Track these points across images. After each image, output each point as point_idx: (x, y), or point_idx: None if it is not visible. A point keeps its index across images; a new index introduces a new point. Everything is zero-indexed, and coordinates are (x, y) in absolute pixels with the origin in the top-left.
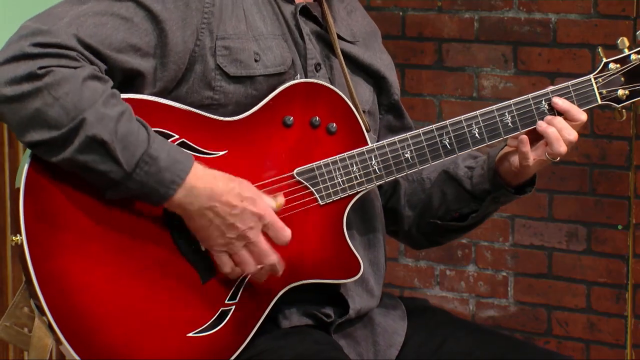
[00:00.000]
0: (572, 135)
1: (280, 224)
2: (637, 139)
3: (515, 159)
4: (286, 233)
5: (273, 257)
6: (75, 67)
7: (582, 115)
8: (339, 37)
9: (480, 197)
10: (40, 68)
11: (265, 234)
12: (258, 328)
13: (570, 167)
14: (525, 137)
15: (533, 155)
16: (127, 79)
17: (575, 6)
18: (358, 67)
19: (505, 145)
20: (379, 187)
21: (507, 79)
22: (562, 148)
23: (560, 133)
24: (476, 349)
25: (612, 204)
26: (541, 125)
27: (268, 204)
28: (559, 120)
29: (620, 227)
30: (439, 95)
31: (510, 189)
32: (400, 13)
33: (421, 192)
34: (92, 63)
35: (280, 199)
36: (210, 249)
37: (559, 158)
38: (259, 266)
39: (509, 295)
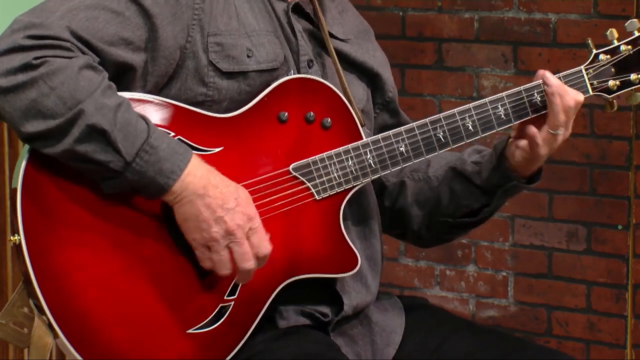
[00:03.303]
0: (571, 101)
1: (265, 234)
2: (637, 139)
3: (524, 145)
4: (268, 245)
5: (251, 264)
6: (70, 57)
7: (579, 97)
8: (332, 35)
9: (491, 191)
10: (36, 58)
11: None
12: (256, 328)
13: (570, 167)
14: (530, 124)
15: (541, 136)
16: (118, 74)
17: (575, 6)
18: (351, 64)
19: (509, 137)
20: (384, 188)
21: (507, 79)
22: (561, 118)
23: (562, 100)
24: (476, 349)
25: (612, 204)
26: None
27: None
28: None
29: (620, 227)
30: (439, 95)
31: (521, 179)
32: (400, 13)
33: (428, 190)
34: (85, 54)
35: None
36: (193, 242)
37: (560, 130)
38: (232, 270)
39: (509, 295)
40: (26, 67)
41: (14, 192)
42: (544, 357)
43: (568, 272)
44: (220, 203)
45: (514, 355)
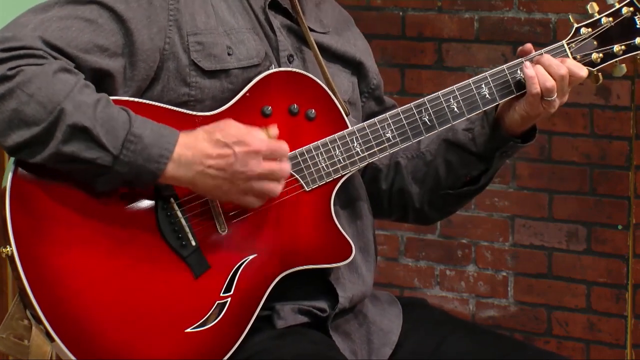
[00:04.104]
0: (561, 69)
1: (275, 145)
2: (637, 139)
3: (520, 104)
4: (284, 146)
5: (286, 167)
6: (43, 64)
7: (581, 71)
8: (310, 29)
9: (487, 156)
10: (10, 69)
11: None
12: (254, 329)
13: (570, 167)
14: (527, 62)
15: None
16: (97, 81)
17: (575, 6)
18: (332, 56)
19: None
20: (379, 171)
21: None
22: (549, 82)
23: (548, 70)
24: (475, 350)
25: (612, 204)
26: (527, 66)
27: (257, 136)
28: (545, 58)
29: (620, 227)
30: None
31: (517, 139)
32: (400, 13)
33: (424, 166)
34: (58, 60)
35: (273, 130)
36: (234, 202)
37: (554, 96)
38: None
39: (509, 295)
40: (1, 79)
41: (2, 200)
42: (542, 358)
43: (568, 272)
44: (224, 162)
45: (513, 356)
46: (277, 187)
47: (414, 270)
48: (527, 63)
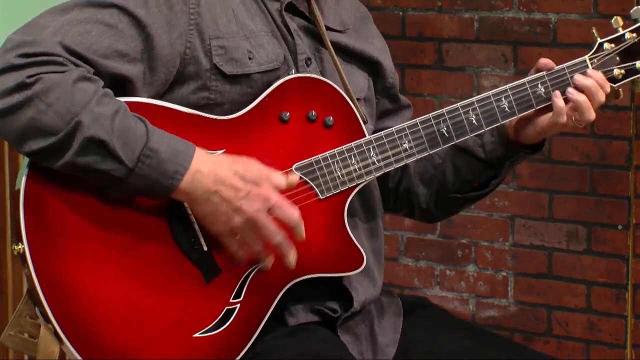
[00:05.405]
0: (602, 97)
1: (286, 203)
2: (637, 139)
3: (541, 120)
4: (294, 212)
5: (279, 237)
6: (63, 72)
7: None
8: (328, 28)
9: (496, 164)
10: (29, 77)
11: (275, 219)
12: (264, 326)
13: (570, 167)
14: (558, 92)
15: (568, 114)
16: (116, 86)
17: (575, 6)
18: (350, 55)
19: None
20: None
21: (507, 79)
22: (592, 116)
23: (592, 100)
24: (474, 350)
25: (612, 204)
26: (572, 93)
27: (276, 183)
28: (590, 83)
29: (620, 227)
30: (439, 95)
31: (526, 149)
32: (400, 13)
33: (432, 168)
34: (79, 67)
35: (293, 178)
36: (219, 235)
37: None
38: (266, 251)
39: (509, 295)
40: (21, 87)
41: (16, 198)
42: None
43: (568, 272)
44: (233, 194)
45: (511, 357)
46: (259, 245)
47: (414, 270)
48: (558, 93)
